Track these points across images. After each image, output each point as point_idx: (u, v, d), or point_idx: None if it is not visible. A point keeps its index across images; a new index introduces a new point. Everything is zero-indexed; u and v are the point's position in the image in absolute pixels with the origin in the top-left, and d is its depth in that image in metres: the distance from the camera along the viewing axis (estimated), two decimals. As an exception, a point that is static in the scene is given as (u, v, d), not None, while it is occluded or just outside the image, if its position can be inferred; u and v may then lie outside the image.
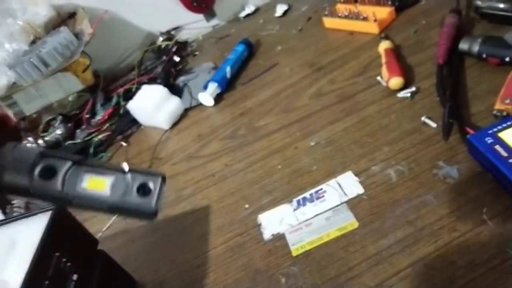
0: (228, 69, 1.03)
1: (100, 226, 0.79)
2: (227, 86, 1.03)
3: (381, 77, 0.79)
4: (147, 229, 0.74)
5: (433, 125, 0.65)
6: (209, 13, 1.36)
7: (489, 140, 0.54)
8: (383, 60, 0.80)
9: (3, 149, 0.35)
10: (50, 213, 0.53)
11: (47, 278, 0.47)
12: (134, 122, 1.07)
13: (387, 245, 0.53)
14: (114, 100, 1.12)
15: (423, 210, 0.55)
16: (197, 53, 1.28)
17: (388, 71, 0.76)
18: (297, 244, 0.59)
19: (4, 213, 0.85)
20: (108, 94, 1.17)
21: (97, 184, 0.35)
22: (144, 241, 0.73)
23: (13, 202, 0.88)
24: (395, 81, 0.74)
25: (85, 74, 1.11)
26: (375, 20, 0.93)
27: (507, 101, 0.60)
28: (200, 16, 1.35)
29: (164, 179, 0.37)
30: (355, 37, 0.96)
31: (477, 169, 0.56)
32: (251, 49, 1.11)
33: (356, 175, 0.64)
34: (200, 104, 1.02)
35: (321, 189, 0.65)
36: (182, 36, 1.35)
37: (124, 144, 1.03)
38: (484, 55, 0.70)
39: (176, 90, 1.08)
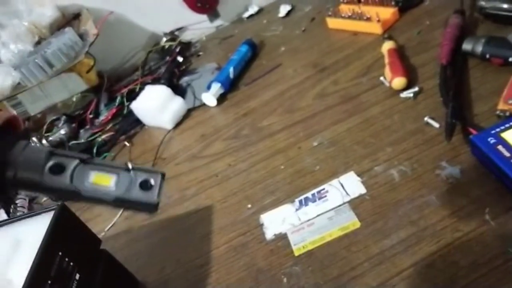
0: (231, 69, 1.03)
1: (103, 225, 0.80)
2: (230, 87, 1.03)
3: (384, 78, 0.79)
4: (150, 229, 0.75)
5: (436, 125, 0.65)
6: (213, 14, 1.36)
7: (492, 140, 0.54)
8: (386, 60, 0.80)
9: (15, 148, 0.36)
10: (53, 212, 0.53)
11: (50, 278, 0.48)
12: (137, 122, 1.07)
13: (390, 245, 0.53)
14: (118, 100, 1.12)
15: (425, 210, 0.55)
16: (200, 53, 1.28)
17: (391, 71, 0.76)
18: (299, 244, 0.59)
19: (8, 213, 0.86)
20: (112, 95, 1.17)
21: (103, 180, 0.37)
22: (147, 241, 0.73)
23: (16, 202, 0.89)
24: (398, 81, 0.74)
25: (89, 74, 1.11)
26: (379, 21, 0.93)
27: (511, 101, 0.60)
28: (204, 17, 1.35)
29: (163, 176, 0.39)
30: (358, 38, 0.96)
31: (479, 170, 0.56)
32: (254, 49, 1.11)
33: (358, 175, 0.64)
34: (204, 104, 1.02)
35: (324, 189, 0.65)
36: (185, 36, 1.36)
37: (127, 144, 1.03)
38: (487, 56, 0.70)
39: (179, 91, 1.08)
